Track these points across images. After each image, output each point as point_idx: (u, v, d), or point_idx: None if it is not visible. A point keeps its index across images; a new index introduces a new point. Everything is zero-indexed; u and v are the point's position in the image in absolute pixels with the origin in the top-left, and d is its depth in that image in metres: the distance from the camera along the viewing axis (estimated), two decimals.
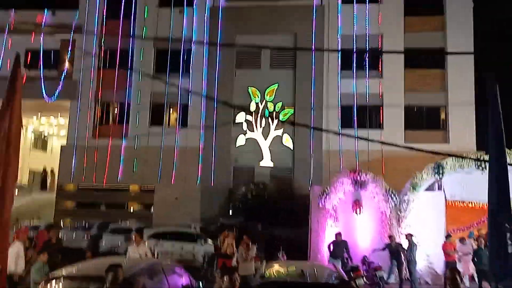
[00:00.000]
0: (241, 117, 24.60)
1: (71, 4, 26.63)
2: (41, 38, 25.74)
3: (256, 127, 24.55)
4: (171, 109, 25.79)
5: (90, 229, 20.16)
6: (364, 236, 14.96)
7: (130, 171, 24.74)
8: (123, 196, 25.07)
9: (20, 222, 21.69)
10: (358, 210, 15.08)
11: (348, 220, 15.13)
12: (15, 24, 23.38)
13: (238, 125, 24.55)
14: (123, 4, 26.12)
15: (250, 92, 24.78)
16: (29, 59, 25.74)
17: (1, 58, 25.64)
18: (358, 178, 15.23)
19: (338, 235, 13.87)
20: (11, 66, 4.53)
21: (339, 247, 13.67)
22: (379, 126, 23.89)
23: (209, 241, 17.46)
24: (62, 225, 22.23)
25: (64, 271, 6.26)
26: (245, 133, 24.54)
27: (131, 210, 25.24)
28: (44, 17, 26.37)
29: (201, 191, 23.98)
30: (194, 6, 25.79)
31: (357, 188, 15.24)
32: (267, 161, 24.30)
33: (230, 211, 22.84)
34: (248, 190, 22.05)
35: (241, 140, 24.52)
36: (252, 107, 24.50)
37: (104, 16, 26.32)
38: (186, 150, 24.37)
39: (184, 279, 7.51)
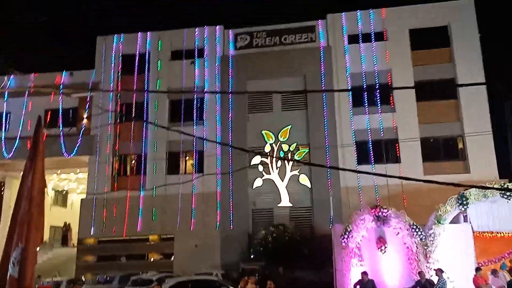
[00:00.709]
0: (256, 159, 24.70)
1: (87, 64, 27.92)
2: (60, 98, 26.65)
3: (272, 168, 24.56)
4: (187, 157, 26.09)
5: (111, 282, 19.98)
6: (392, 273, 14.46)
7: (149, 221, 24.80)
8: (143, 247, 24.98)
9: (42, 279, 21.64)
10: (382, 247, 14.66)
11: (374, 258, 14.70)
12: (35, 87, 24.46)
13: (254, 168, 24.60)
14: (137, 60, 27.24)
15: (264, 135, 25.04)
16: (48, 118, 26.61)
17: (22, 119, 26.60)
18: (380, 214, 14.91)
19: (364, 274, 13.45)
20: (32, 127, 4.73)
21: (366, 287, 13.22)
22: (397, 160, 23.67)
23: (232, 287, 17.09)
24: (84, 280, 22.09)
25: None
26: (261, 176, 24.55)
27: (152, 260, 25.02)
28: (63, 78, 27.54)
29: (221, 237, 23.76)
30: (205, 57, 26.70)
31: (380, 224, 14.89)
32: (285, 202, 24.09)
33: (251, 255, 22.45)
34: (268, 232, 21.71)
35: (258, 182, 24.50)
36: (267, 149, 24.65)
37: (119, 73, 27.38)
38: (204, 196, 24.42)
39: None
